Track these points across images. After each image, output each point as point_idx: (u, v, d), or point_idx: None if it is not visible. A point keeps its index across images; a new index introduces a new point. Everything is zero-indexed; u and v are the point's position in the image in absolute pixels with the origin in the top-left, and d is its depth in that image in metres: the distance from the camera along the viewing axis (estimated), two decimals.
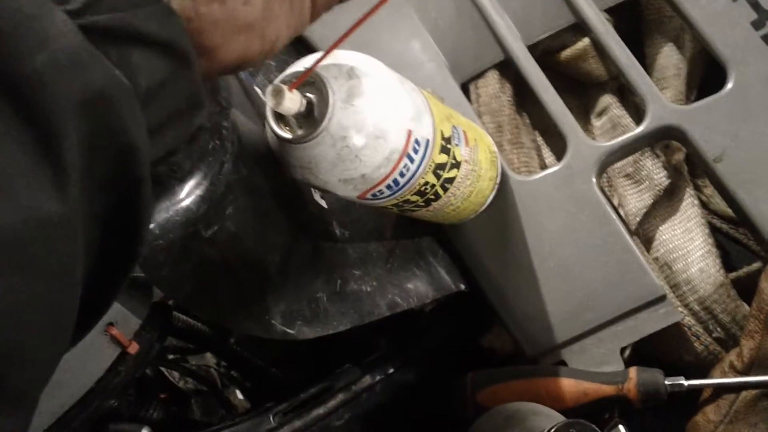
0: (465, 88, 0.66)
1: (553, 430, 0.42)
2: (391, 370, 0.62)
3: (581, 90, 0.69)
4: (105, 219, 0.24)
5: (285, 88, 0.41)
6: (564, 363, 0.60)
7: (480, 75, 0.66)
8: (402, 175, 0.48)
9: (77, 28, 0.23)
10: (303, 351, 0.66)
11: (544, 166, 0.66)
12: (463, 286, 0.62)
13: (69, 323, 0.24)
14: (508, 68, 0.66)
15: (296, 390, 0.58)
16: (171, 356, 0.67)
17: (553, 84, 0.62)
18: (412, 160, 0.47)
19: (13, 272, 0.20)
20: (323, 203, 0.56)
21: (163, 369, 0.61)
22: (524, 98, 0.67)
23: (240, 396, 0.67)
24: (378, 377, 0.62)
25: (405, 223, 0.61)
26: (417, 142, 0.47)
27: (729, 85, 0.58)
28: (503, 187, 0.61)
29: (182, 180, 0.40)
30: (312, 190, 0.55)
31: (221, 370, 0.67)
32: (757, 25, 0.59)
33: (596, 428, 0.41)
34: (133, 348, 0.41)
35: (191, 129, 0.30)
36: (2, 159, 0.20)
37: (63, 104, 0.21)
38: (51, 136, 0.21)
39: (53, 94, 0.21)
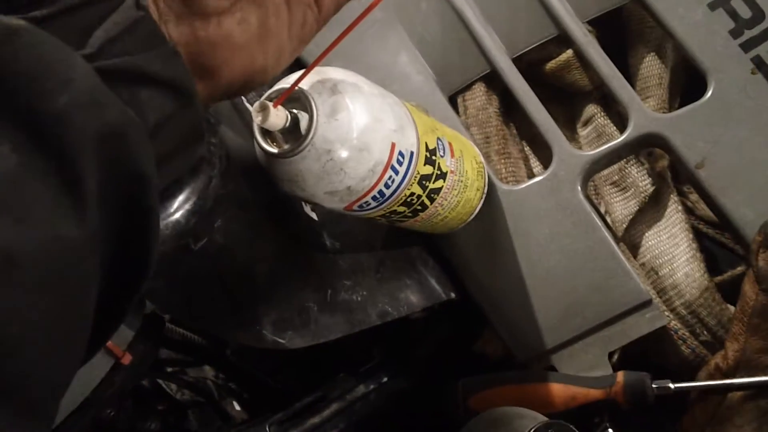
0: (453, 101, 0.68)
1: (532, 430, 0.43)
2: (385, 379, 0.63)
3: (567, 100, 0.71)
4: (117, 243, 0.26)
5: (270, 104, 0.42)
6: (554, 368, 0.61)
7: (467, 87, 0.67)
8: (387, 186, 0.49)
9: (94, 71, 0.25)
10: (298, 361, 0.67)
11: (532, 175, 0.67)
12: (453, 295, 0.63)
13: (83, 339, 0.25)
14: (494, 80, 0.67)
15: (292, 400, 0.60)
16: (169, 369, 0.69)
17: (540, 94, 0.64)
18: (396, 172, 0.49)
19: (33, 290, 0.22)
20: (314, 215, 0.57)
21: (160, 381, 0.62)
22: (511, 109, 0.69)
23: (237, 407, 0.68)
24: (372, 386, 0.63)
25: (395, 234, 0.62)
26: (401, 154, 0.49)
27: (709, 93, 0.59)
28: (491, 196, 0.62)
29: (172, 195, 0.41)
30: (302, 202, 0.57)
31: (219, 382, 0.68)
32: (735, 33, 0.60)
33: (574, 429, 0.42)
34: (127, 359, 0.42)
35: (194, 159, 0.32)
36: (27, 187, 0.22)
37: (82, 139, 0.23)
38: (71, 168, 0.23)
39: (74, 130, 0.23)
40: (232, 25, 0.31)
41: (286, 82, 0.47)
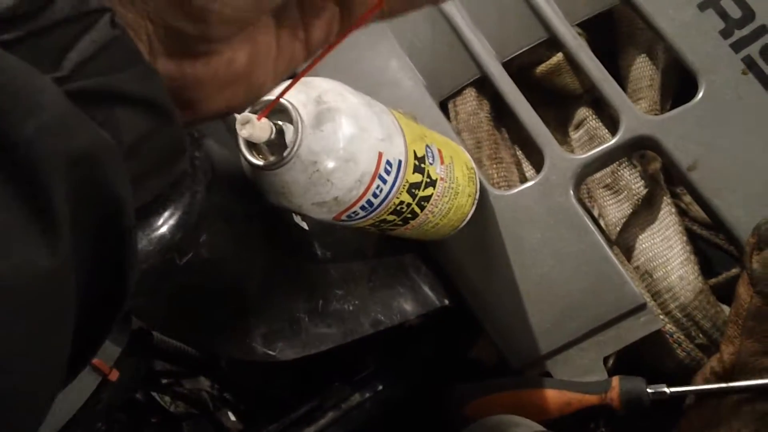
0: (444, 106, 0.68)
1: None
2: (380, 387, 0.63)
3: (558, 103, 0.70)
4: (93, 266, 0.26)
5: (254, 117, 0.42)
6: (549, 374, 0.60)
7: (458, 93, 0.67)
8: (375, 196, 0.49)
9: (65, 95, 0.24)
10: (293, 371, 0.67)
11: (524, 180, 0.67)
12: (447, 302, 0.63)
13: (60, 366, 0.25)
14: (484, 85, 0.67)
15: (287, 410, 0.59)
16: (164, 380, 0.68)
17: (531, 98, 0.64)
18: (384, 181, 0.49)
19: (4, 317, 0.21)
20: (304, 225, 0.57)
21: (154, 393, 0.62)
22: (502, 114, 0.68)
23: (232, 418, 0.67)
24: (367, 394, 0.62)
25: (387, 242, 0.62)
26: (389, 163, 0.48)
27: (700, 94, 0.59)
28: (483, 202, 0.62)
29: (156, 211, 0.41)
30: (292, 213, 0.56)
31: (214, 393, 0.68)
32: (725, 34, 0.60)
33: None
34: (114, 375, 0.42)
35: (175, 175, 0.32)
36: None
37: (52, 166, 0.23)
38: (41, 195, 0.23)
39: (42, 157, 0.23)
40: (219, 64, 0.31)
41: (271, 94, 0.47)
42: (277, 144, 0.45)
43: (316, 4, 0.34)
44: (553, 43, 0.65)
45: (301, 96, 0.45)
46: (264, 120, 0.43)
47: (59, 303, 0.24)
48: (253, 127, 0.42)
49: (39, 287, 0.23)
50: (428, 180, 0.53)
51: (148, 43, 0.29)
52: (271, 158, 0.45)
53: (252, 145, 0.45)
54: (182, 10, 0.28)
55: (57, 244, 0.23)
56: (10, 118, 0.22)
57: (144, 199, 0.30)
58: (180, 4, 0.28)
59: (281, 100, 0.43)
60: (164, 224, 0.41)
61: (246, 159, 0.45)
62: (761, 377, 0.53)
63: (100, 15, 0.26)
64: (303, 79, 0.44)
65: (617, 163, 0.65)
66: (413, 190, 0.52)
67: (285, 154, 0.44)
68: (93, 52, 0.26)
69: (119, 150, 0.27)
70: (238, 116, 0.42)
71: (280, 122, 0.44)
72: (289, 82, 0.43)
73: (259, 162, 0.45)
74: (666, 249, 0.62)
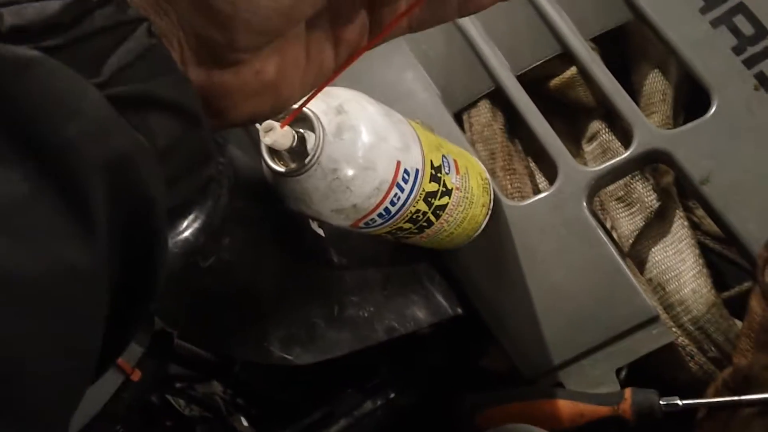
0: (458, 118, 0.69)
1: None
2: (392, 395, 0.63)
3: (572, 116, 0.71)
4: (125, 265, 0.27)
5: (277, 125, 0.43)
6: (561, 384, 0.61)
7: (472, 105, 0.68)
8: (393, 204, 0.50)
9: (105, 99, 0.25)
10: (306, 377, 0.67)
11: (537, 191, 0.68)
12: (459, 310, 0.63)
13: (90, 363, 0.26)
14: (498, 97, 0.68)
15: (299, 416, 0.60)
16: (178, 384, 0.69)
17: (545, 111, 0.64)
18: (402, 190, 0.49)
19: (38, 317, 0.22)
20: (321, 232, 0.58)
21: (168, 396, 0.63)
22: (516, 126, 0.69)
23: (245, 423, 0.68)
24: (379, 402, 0.63)
25: (401, 250, 0.63)
26: (406, 171, 0.49)
27: (712, 109, 0.60)
28: (497, 212, 0.63)
29: (181, 214, 0.42)
30: (309, 219, 0.57)
31: (227, 398, 0.69)
32: (737, 50, 0.60)
33: None
34: (136, 375, 0.42)
35: (202, 179, 0.33)
36: (35, 215, 0.22)
37: (91, 167, 0.24)
38: (80, 195, 0.24)
39: (82, 158, 0.24)
40: (248, 75, 0.32)
41: None
42: (298, 151, 0.46)
43: (348, 16, 0.35)
44: (567, 57, 0.66)
45: (322, 105, 0.46)
46: (286, 128, 0.44)
47: (94, 302, 0.25)
48: (276, 134, 0.43)
49: (76, 286, 0.23)
50: (444, 189, 0.54)
51: (180, 51, 0.30)
52: (293, 165, 0.46)
53: (274, 152, 0.46)
54: (209, 18, 0.29)
55: (95, 244, 0.24)
56: (53, 120, 0.23)
57: (174, 201, 0.31)
58: (206, 11, 0.29)
59: (303, 108, 0.44)
60: (188, 228, 0.42)
61: (268, 165, 0.46)
62: None
63: (137, 24, 0.28)
64: (324, 89, 0.45)
65: (630, 176, 0.66)
66: (429, 199, 0.52)
67: (306, 161, 0.45)
68: (131, 60, 0.27)
69: (153, 152, 0.28)
70: (261, 124, 0.43)
71: (301, 130, 0.45)
72: (311, 92, 0.44)
73: (281, 169, 0.46)
74: (679, 262, 0.63)
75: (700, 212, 0.67)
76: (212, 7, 0.29)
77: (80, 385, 0.25)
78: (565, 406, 0.58)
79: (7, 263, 0.21)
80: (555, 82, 0.68)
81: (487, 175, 0.62)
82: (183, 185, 0.31)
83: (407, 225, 0.53)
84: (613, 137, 0.67)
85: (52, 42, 0.26)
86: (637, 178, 0.66)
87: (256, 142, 0.52)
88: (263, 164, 0.47)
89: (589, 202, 0.62)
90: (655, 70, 0.67)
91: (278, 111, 0.35)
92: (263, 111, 0.34)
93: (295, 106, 0.44)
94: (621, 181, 0.66)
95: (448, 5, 0.36)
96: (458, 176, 0.56)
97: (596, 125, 0.68)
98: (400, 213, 0.51)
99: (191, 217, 0.42)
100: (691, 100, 0.68)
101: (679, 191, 0.66)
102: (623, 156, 0.61)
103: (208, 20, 0.29)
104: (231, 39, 0.30)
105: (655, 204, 0.65)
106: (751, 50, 0.60)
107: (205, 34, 0.30)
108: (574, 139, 0.71)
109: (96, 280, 0.25)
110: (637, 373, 0.62)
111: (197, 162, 0.32)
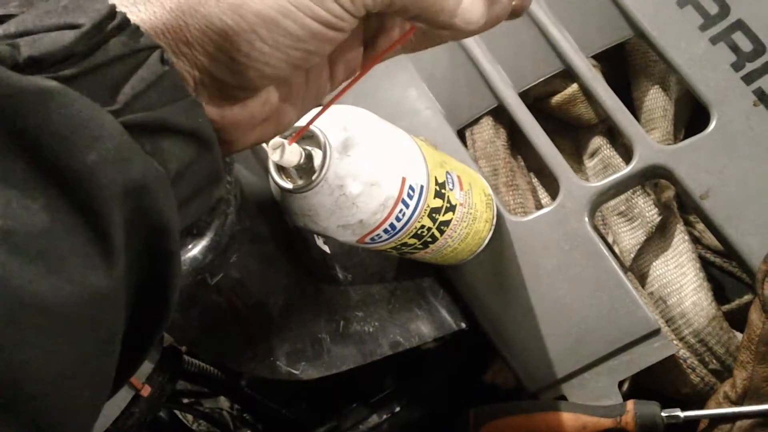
0: (461, 134, 0.69)
1: None
2: (397, 409, 0.64)
3: (574, 132, 0.72)
4: (141, 288, 0.28)
5: (285, 142, 0.44)
6: (564, 397, 0.61)
7: (475, 121, 0.69)
8: (398, 219, 0.50)
9: (122, 127, 0.26)
10: (312, 391, 0.68)
11: (540, 207, 0.68)
12: (464, 325, 0.64)
13: (108, 381, 0.27)
14: (501, 114, 0.69)
15: (305, 430, 0.60)
16: (186, 400, 0.70)
17: (547, 127, 0.65)
18: (407, 206, 0.50)
19: (66, 337, 0.23)
20: (326, 248, 0.59)
21: (176, 412, 0.63)
22: (518, 142, 0.70)
23: None
24: (385, 416, 0.63)
25: (406, 265, 0.63)
26: (411, 188, 0.50)
27: (712, 125, 0.61)
28: (500, 228, 0.64)
29: (190, 233, 0.42)
30: (315, 236, 0.58)
31: (234, 413, 0.69)
32: (736, 66, 0.61)
33: None
34: (146, 390, 0.43)
35: (212, 201, 0.34)
36: (59, 241, 0.23)
37: (110, 194, 0.25)
38: (100, 221, 0.25)
39: (101, 185, 0.25)
40: (255, 107, 0.33)
41: (301, 121, 0.49)
42: (306, 168, 0.46)
43: (345, 43, 0.36)
44: (569, 74, 0.67)
45: (328, 122, 0.47)
46: (294, 145, 0.44)
47: (112, 323, 0.26)
48: (284, 151, 0.44)
49: (96, 308, 0.24)
50: (448, 205, 0.55)
51: (193, 87, 0.31)
52: (300, 182, 0.47)
53: (281, 169, 0.47)
54: (225, 65, 0.30)
55: (114, 268, 0.25)
56: (73, 149, 0.24)
57: (186, 223, 0.32)
58: (224, 61, 0.30)
59: (310, 126, 0.45)
60: (196, 246, 0.42)
61: (275, 182, 0.47)
62: None
63: (150, 52, 0.29)
64: (331, 107, 0.46)
65: (631, 191, 0.67)
66: (434, 215, 0.53)
67: (313, 177, 0.46)
68: (144, 87, 0.28)
69: (167, 178, 0.29)
70: (268, 142, 0.44)
71: (309, 147, 0.46)
72: (319, 109, 0.45)
73: (289, 185, 0.46)
74: (680, 276, 0.63)
75: (700, 226, 0.68)
76: (229, 58, 0.30)
77: (100, 403, 0.26)
78: (568, 418, 0.58)
79: (39, 289, 0.22)
80: (557, 99, 0.69)
81: (490, 191, 0.63)
82: (194, 206, 0.32)
83: (412, 240, 0.54)
84: (615, 153, 0.68)
85: (68, 72, 0.26)
86: (638, 193, 0.67)
87: (262, 161, 0.53)
88: (271, 181, 0.48)
89: (591, 217, 0.63)
90: (656, 87, 0.68)
91: (280, 133, 0.37)
92: (267, 136, 0.36)
93: (303, 123, 0.45)
94: (622, 196, 0.67)
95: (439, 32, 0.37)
96: (462, 192, 0.57)
97: (597, 141, 0.69)
98: (405, 228, 0.52)
99: (199, 235, 0.43)
100: (691, 116, 0.69)
101: (679, 206, 0.67)
102: (624, 171, 0.62)
103: (224, 67, 0.30)
104: (244, 83, 0.31)
105: (657, 218, 0.66)
106: (750, 66, 0.61)
107: (219, 76, 0.31)
108: (575, 155, 0.72)
109: (115, 303, 0.26)
110: (639, 386, 0.63)
111: (209, 184, 0.33)
